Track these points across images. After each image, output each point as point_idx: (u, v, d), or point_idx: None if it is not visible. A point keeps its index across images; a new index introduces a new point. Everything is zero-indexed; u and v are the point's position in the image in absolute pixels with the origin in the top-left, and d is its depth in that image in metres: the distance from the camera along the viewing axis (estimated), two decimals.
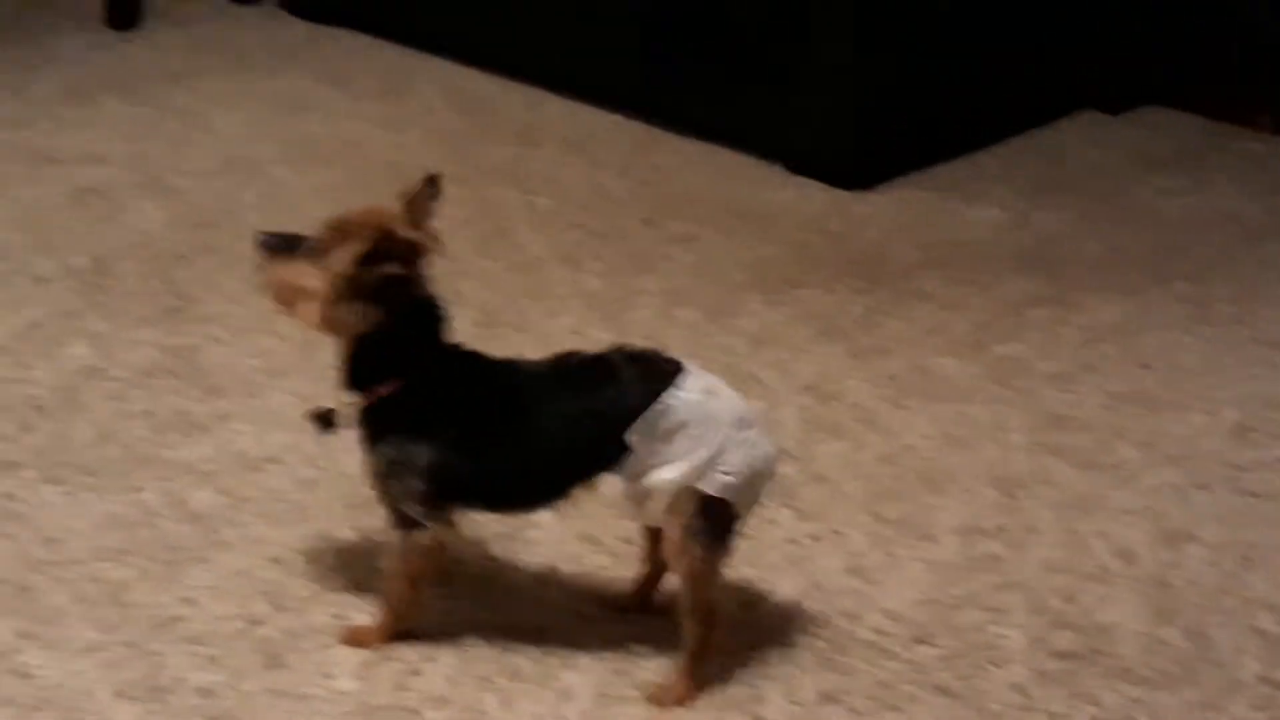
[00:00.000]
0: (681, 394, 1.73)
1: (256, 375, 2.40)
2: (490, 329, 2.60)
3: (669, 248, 2.98)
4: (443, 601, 1.91)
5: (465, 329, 2.55)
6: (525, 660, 1.83)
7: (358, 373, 1.77)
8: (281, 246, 1.78)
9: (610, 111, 3.60)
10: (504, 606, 1.94)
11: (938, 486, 2.23)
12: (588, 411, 1.76)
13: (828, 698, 1.81)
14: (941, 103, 3.38)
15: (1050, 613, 1.98)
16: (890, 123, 3.31)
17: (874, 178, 3.31)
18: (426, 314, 1.78)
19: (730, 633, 1.87)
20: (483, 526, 1.96)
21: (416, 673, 1.80)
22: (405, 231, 1.74)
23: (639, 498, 1.77)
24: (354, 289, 1.71)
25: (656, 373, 1.76)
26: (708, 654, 1.79)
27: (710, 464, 1.72)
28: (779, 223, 3.12)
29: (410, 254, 1.74)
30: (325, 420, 1.83)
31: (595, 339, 2.58)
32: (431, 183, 1.79)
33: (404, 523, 1.79)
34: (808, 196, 3.25)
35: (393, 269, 1.71)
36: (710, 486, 1.73)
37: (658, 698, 1.78)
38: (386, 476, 1.78)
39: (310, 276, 1.73)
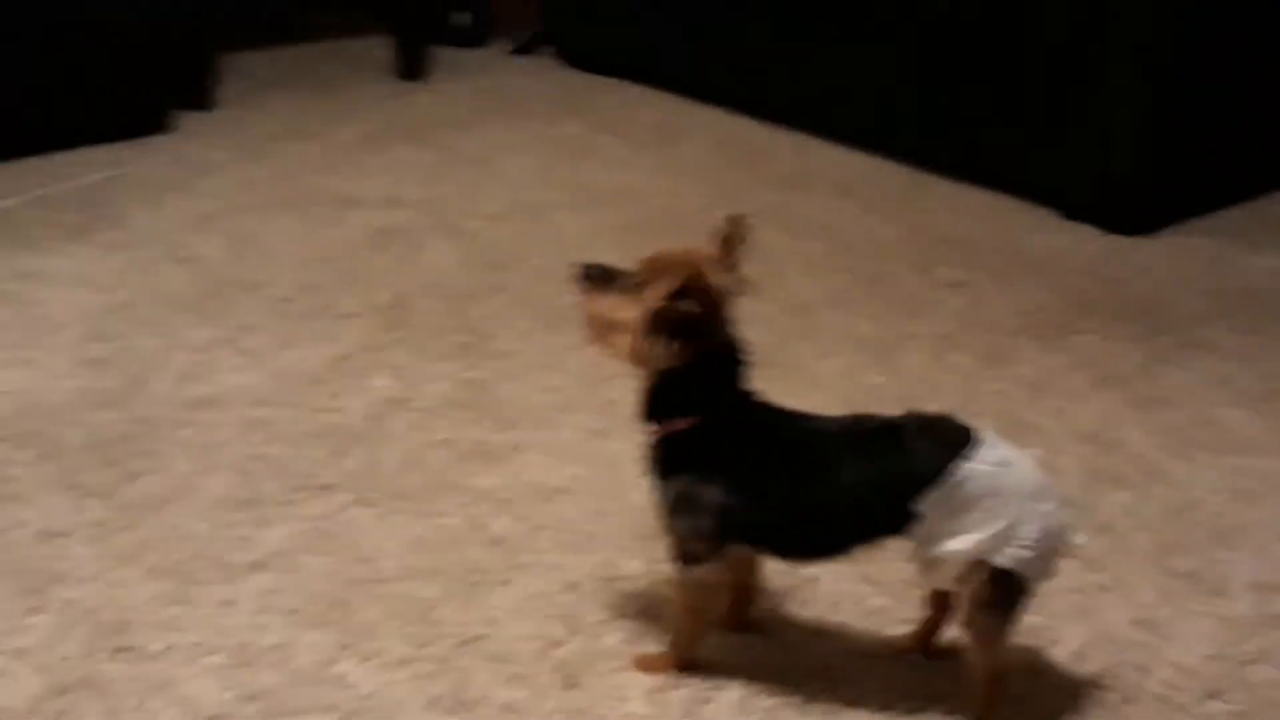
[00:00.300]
0: (976, 466, 1.73)
1: (546, 409, 2.52)
2: (763, 369, 2.62)
3: (940, 293, 3.00)
4: (729, 636, 1.97)
5: None
6: (812, 697, 1.87)
7: (656, 406, 1.83)
8: (599, 278, 1.85)
9: (878, 156, 3.65)
10: (788, 643, 1.98)
11: (1228, 541, 2.19)
12: (875, 476, 1.77)
13: None
14: (1223, 146, 3.31)
15: None
16: (1170, 166, 3.26)
17: (1153, 223, 3.27)
18: (728, 356, 1.83)
19: (1016, 680, 1.88)
20: (766, 565, 2.01)
21: (706, 700, 1.86)
22: (716, 273, 1.80)
23: (929, 564, 1.78)
24: (663, 325, 1.76)
25: (948, 441, 1.75)
26: (996, 711, 1.81)
27: (1004, 537, 1.72)
28: (1052, 268, 3.11)
29: (718, 296, 1.79)
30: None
31: (867, 382, 2.64)
32: (737, 224, 1.83)
33: (685, 558, 1.85)
34: (1082, 242, 3.23)
35: (697, 308, 1.76)
36: (1004, 560, 1.73)
37: None
38: (674, 511, 1.83)
39: (624, 309, 1.79)
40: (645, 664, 1.91)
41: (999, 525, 1.71)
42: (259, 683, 1.86)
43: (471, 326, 2.79)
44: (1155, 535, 2.20)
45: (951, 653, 1.93)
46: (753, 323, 2.82)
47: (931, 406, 2.52)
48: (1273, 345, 2.77)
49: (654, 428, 1.85)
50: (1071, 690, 1.89)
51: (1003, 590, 1.74)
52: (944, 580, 1.79)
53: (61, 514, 2.19)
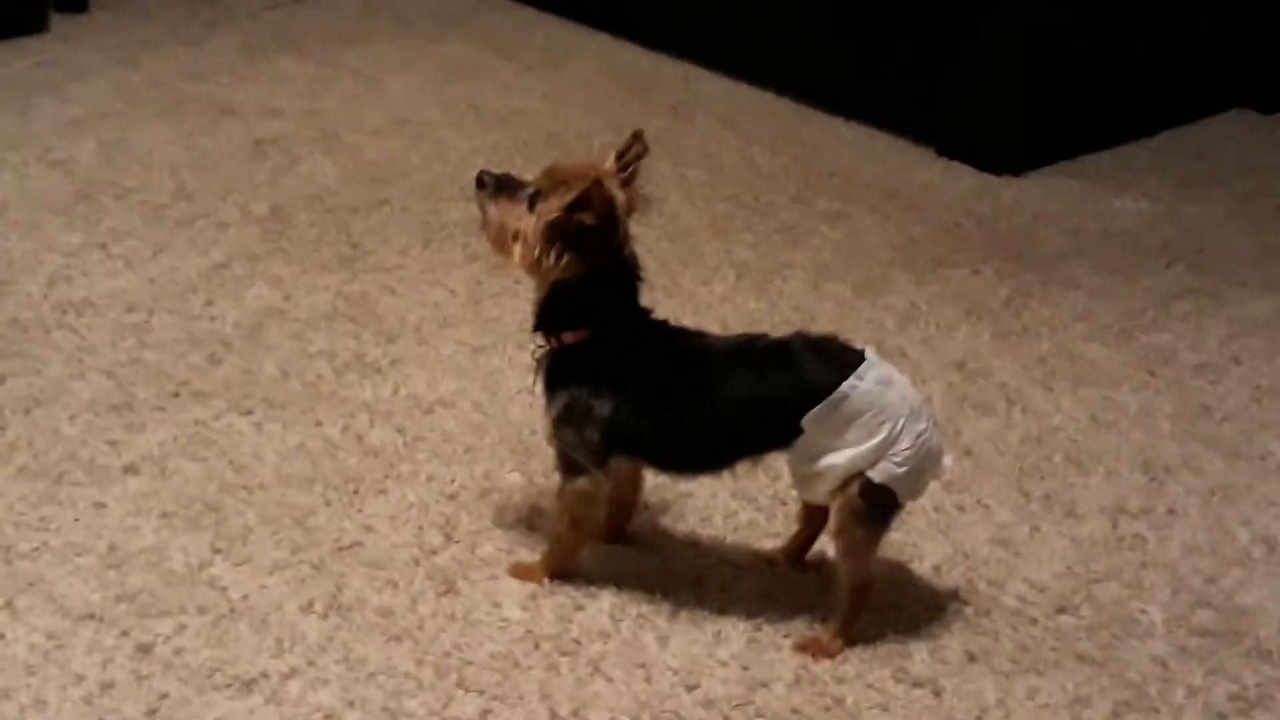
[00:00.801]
0: (860, 384, 1.78)
1: (427, 324, 2.52)
2: (645, 293, 2.68)
3: (818, 223, 3.05)
4: (603, 547, 2.00)
5: None
6: (682, 604, 1.92)
7: (549, 318, 1.85)
8: (498, 186, 1.86)
9: (763, 89, 3.68)
10: (663, 554, 2.03)
11: (1084, 467, 2.28)
12: (764, 392, 1.82)
13: (972, 658, 1.87)
14: (1094, 93, 3.40)
15: (1191, 592, 2.02)
16: (1042, 110, 3.34)
17: (1023, 164, 3.35)
18: (623, 271, 1.84)
19: (878, 592, 1.95)
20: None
21: (580, 608, 1.90)
22: (614, 187, 1.81)
23: (807, 477, 1.84)
24: (559, 235, 1.78)
25: (837, 361, 1.81)
26: (858, 619, 1.87)
27: (880, 452, 1.78)
28: (927, 204, 3.18)
29: (615, 210, 1.80)
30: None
31: (746, 308, 2.68)
32: (637, 139, 1.84)
33: (569, 468, 1.87)
34: (957, 179, 3.30)
35: (593, 219, 1.77)
36: (878, 474, 1.79)
37: (807, 649, 1.86)
38: (562, 422, 1.85)
39: (523, 219, 1.81)
40: (520, 572, 1.94)
41: (876, 440, 1.77)
42: (130, 584, 1.86)
43: (352, 240, 2.78)
44: (1015, 460, 2.29)
45: (818, 566, 1.99)
46: (635, 247, 2.87)
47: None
48: (1132, 283, 2.87)
49: (545, 340, 1.86)
50: (930, 603, 1.96)
51: (875, 504, 1.80)
52: (820, 494, 1.84)
53: None
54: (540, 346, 1.87)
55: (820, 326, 2.60)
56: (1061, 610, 1.97)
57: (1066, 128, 3.43)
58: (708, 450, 1.88)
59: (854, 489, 1.79)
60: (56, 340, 2.36)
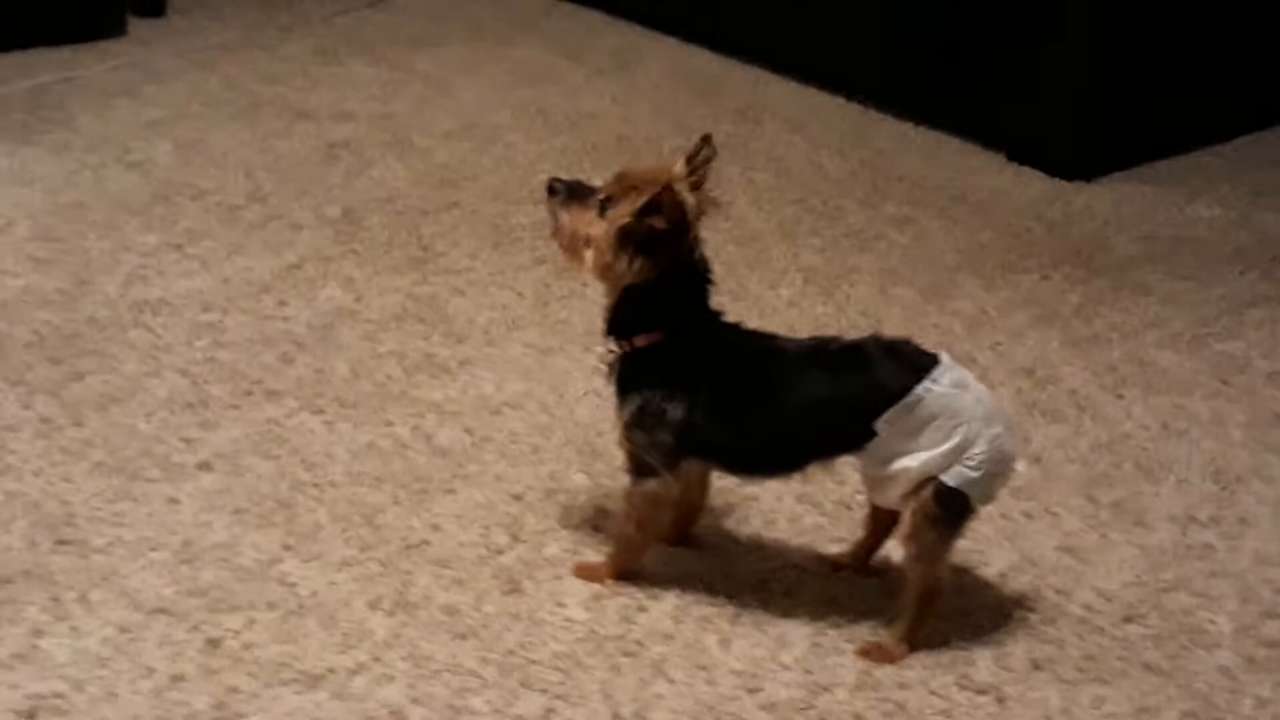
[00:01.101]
0: (934, 387, 1.78)
1: (495, 326, 2.54)
2: (712, 296, 2.70)
3: (886, 228, 3.04)
4: (668, 549, 2.01)
5: None
6: (745, 607, 1.92)
7: (621, 322, 1.86)
8: (570, 194, 1.87)
9: (831, 93, 3.67)
10: (726, 557, 2.03)
11: (1154, 475, 2.26)
12: (838, 396, 1.82)
13: (1036, 666, 1.86)
14: (1167, 98, 3.36)
15: (1261, 603, 2.00)
16: (1114, 115, 3.31)
17: (1095, 169, 3.32)
18: (694, 274, 1.85)
19: (943, 598, 1.94)
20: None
21: (643, 609, 1.90)
22: (684, 191, 1.81)
23: (879, 481, 1.83)
24: (630, 240, 1.79)
25: (911, 364, 1.81)
26: (923, 625, 1.86)
27: (955, 457, 1.77)
28: (996, 209, 3.16)
29: (686, 213, 1.81)
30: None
31: (813, 312, 2.68)
32: (706, 142, 1.84)
33: (639, 470, 1.88)
34: (1026, 184, 3.28)
35: (664, 223, 1.78)
36: (952, 478, 1.78)
37: (870, 653, 1.85)
38: (634, 425, 1.86)
39: (594, 224, 1.82)
40: (585, 572, 1.95)
41: (951, 444, 1.76)
42: (202, 579, 1.89)
43: (422, 242, 2.80)
44: (1084, 467, 2.27)
45: (882, 571, 1.99)
46: (704, 250, 2.88)
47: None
48: (1204, 290, 2.84)
49: (618, 344, 1.87)
50: (996, 609, 1.96)
51: (948, 508, 1.80)
52: (892, 497, 1.84)
53: (8, 409, 2.19)
54: (612, 350, 1.88)
55: (888, 331, 2.59)
56: (1129, 619, 1.95)
57: (1139, 133, 3.40)
58: (780, 453, 1.88)
59: (927, 493, 1.79)
60: (133, 339, 2.41)
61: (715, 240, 2.88)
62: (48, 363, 2.32)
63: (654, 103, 3.57)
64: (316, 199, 2.94)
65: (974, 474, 1.78)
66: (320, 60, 3.65)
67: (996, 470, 1.81)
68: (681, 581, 1.96)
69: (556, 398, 2.35)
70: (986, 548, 2.07)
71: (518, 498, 2.10)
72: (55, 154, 3.03)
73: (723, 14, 3.89)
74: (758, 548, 2.05)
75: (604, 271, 1.83)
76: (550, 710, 1.73)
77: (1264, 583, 2.03)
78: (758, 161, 3.30)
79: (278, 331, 2.47)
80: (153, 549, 1.94)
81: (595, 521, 2.06)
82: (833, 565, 2.01)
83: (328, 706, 1.70)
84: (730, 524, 2.09)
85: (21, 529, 1.95)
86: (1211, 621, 1.96)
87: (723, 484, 2.07)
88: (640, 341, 1.84)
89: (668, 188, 1.78)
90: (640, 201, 1.78)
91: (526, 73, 3.68)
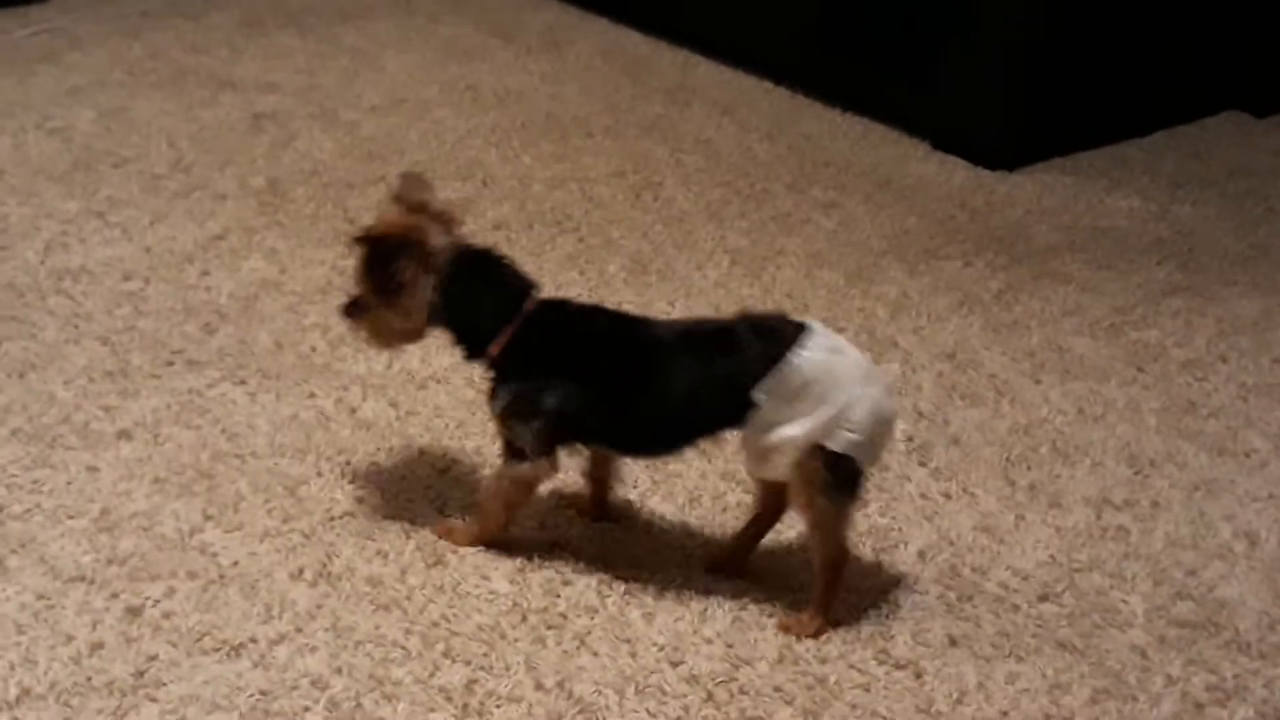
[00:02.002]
0: (806, 353, 1.78)
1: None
2: (639, 276, 2.72)
3: (812, 212, 3.07)
4: (591, 525, 2.02)
5: (615, 273, 2.71)
6: (669, 582, 1.93)
7: (466, 344, 1.87)
8: (355, 306, 1.88)
9: (759, 77, 3.69)
10: (650, 533, 2.04)
11: (1070, 459, 2.30)
12: (711, 373, 1.81)
13: (953, 642, 1.89)
14: (1088, 91, 3.42)
15: (1173, 584, 2.04)
16: (1037, 107, 3.36)
17: (1017, 159, 3.37)
18: (478, 264, 1.84)
19: (862, 576, 1.97)
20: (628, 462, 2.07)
21: (567, 583, 1.91)
22: (395, 222, 1.82)
23: (764, 453, 1.82)
24: (384, 292, 1.80)
25: (780, 336, 1.80)
26: (836, 596, 1.88)
27: (835, 421, 1.77)
28: (921, 196, 3.19)
29: (395, 230, 1.81)
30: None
31: (739, 293, 2.70)
32: (405, 179, 1.88)
33: (513, 453, 1.87)
34: (950, 173, 3.32)
35: (376, 260, 1.80)
36: (836, 443, 1.78)
37: (790, 628, 1.87)
38: (508, 415, 1.85)
39: (380, 313, 1.84)
40: (445, 531, 1.95)
41: (831, 409, 1.77)
42: (122, 547, 1.87)
43: (348, 215, 2.78)
44: (1002, 449, 2.31)
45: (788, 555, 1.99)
46: (631, 230, 2.90)
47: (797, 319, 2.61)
48: (1122, 279, 2.90)
49: (481, 361, 1.87)
50: (914, 587, 1.98)
51: (837, 474, 1.79)
52: (780, 468, 1.82)
53: None
54: (482, 373, 1.89)
55: (812, 313, 2.63)
56: (1044, 598, 1.99)
57: (1061, 125, 3.45)
58: (660, 434, 1.88)
59: (815, 461, 1.78)
60: (52, 306, 2.37)
61: (644, 221, 2.93)
62: None
63: (583, 82, 3.57)
64: (241, 170, 2.91)
65: (856, 437, 1.78)
66: (246, 30, 3.61)
67: (878, 431, 1.81)
68: (605, 557, 1.97)
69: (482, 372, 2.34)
70: (905, 526, 2.10)
71: (443, 472, 2.10)
72: None
73: None
74: (681, 524, 2.06)
75: (407, 334, 1.87)
76: (473, 681, 1.73)
77: (1176, 565, 2.08)
78: (686, 143, 3.31)
79: (200, 301, 2.44)
80: (71, 516, 1.92)
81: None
82: (707, 566, 1.98)
83: (249, 675, 1.69)
84: (655, 501, 2.10)
85: None
86: (1124, 601, 2.00)
87: (647, 462, 2.08)
88: (495, 348, 1.84)
89: (363, 234, 1.81)
90: (359, 266, 1.81)
91: (456, 49, 3.66)
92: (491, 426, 1.96)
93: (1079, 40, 3.32)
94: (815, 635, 1.87)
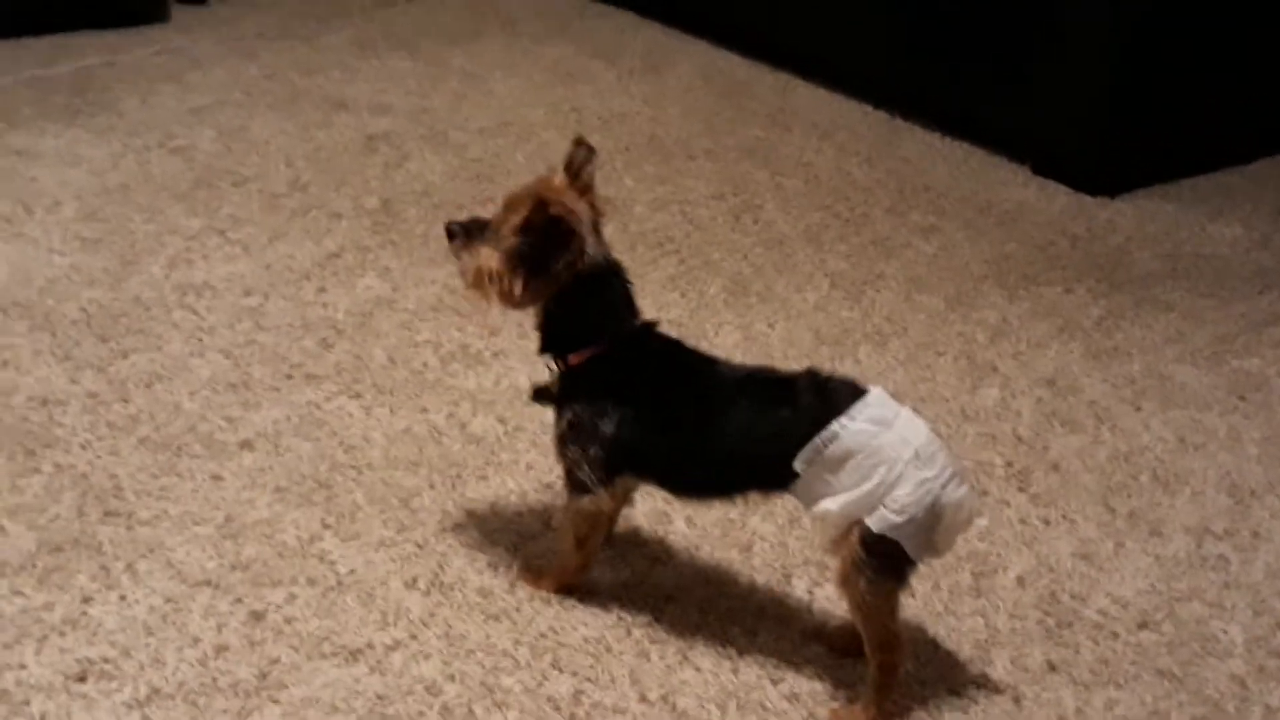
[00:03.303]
0: (850, 423, 1.68)
1: (528, 319, 2.57)
2: (739, 298, 2.76)
3: (911, 236, 3.09)
4: (692, 549, 2.06)
5: (715, 295, 2.76)
6: (770, 601, 1.98)
7: (551, 340, 1.84)
8: (466, 234, 1.83)
9: (859, 100, 3.73)
10: (752, 552, 2.08)
11: (1170, 487, 2.31)
12: (760, 426, 1.75)
13: (1052, 667, 1.91)
14: (1192, 118, 3.41)
15: (1274, 614, 2.04)
16: (1140, 133, 3.36)
17: (1119, 185, 3.37)
18: (602, 278, 1.80)
19: (961, 600, 2.00)
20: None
21: (670, 599, 1.96)
22: (569, 200, 1.78)
23: (814, 525, 1.76)
24: (521, 260, 1.76)
25: (835, 398, 1.71)
26: (890, 688, 1.78)
27: (875, 497, 1.67)
28: (1021, 221, 3.21)
29: (567, 222, 1.76)
30: (541, 395, 1.89)
31: (838, 316, 2.74)
32: (580, 144, 1.82)
33: (575, 486, 1.85)
34: (1051, 198, 3.33)
35: (538, 233, 1.74)
36: (875, 523, 1.67)
37: (840, 718, 1.78)
38: (567, 440, 1.83)
39: (489, 257, 1.79)
40: (530, 577, 1.95)
41: (870, 484, 1.67)
42: (245, 554, 1.95)
43: None
44: (1101, 477, 2.32)
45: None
46: (730, 252, 2.94)
47: (897, 344, 2.65)
48: (1224, 308, 2.89)
49: (555, 362, 1.85)
50: (1013, 613, 2.00)
51: (874, 554, 1.68)
52: (824, 543, 1.75)
53: (56, 384, 2.25)
54: (550, 369, 1.86)
55: (912, 338, 2.67)
56: (1143, 626, 2.00)
57: (1163, 151, 3.45)
58: (709, 477, 1.83)
59: (854, 537, 1.69)
60: (177, 319, 2.46)
61: (743, 244, 2.98)
62: (95, 340, 2.38)
63: (684, 105, 3.62)
64: (355, 189, 3.00)
65: (897, 518, 1.66)
66: (358, 52, 3.71)
67: (930, 517, 1.67)
68: (707, 575, 2.01)
69: None
70: (1004, 551, 2.12)
71: (549, 486, 2.15)
72: (100, 136, 3.09)
73: (752, 18, 3.95)
74: (781, 544, 2.10)
75: (507, 298, 1.80)
76: (580, 691, 1.78)
77: (1276, 595, 2.08)
78: (786, 167, 3.35)
79: (317, 317, 2.53)
80: (197, 523, 2.00)
81: (624, 511, 2.11)
82: (827, 643, 1.90)
83: (366, 680, 1.76)
84: (755, 521, 2.13)
85: (71, 500, 2.00)
86: (1224, 631, 2.01)
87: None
88: (575, 359, 1.82)
89: (540, 202, 1.75)
90: (518, 221, 1.76)
91: (560, 71, 3.74)
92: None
93: (1181, 65, 3.32)
94: None
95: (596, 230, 1.81)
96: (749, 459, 1.77)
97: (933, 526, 1.69)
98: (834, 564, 1.75)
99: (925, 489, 1.67)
